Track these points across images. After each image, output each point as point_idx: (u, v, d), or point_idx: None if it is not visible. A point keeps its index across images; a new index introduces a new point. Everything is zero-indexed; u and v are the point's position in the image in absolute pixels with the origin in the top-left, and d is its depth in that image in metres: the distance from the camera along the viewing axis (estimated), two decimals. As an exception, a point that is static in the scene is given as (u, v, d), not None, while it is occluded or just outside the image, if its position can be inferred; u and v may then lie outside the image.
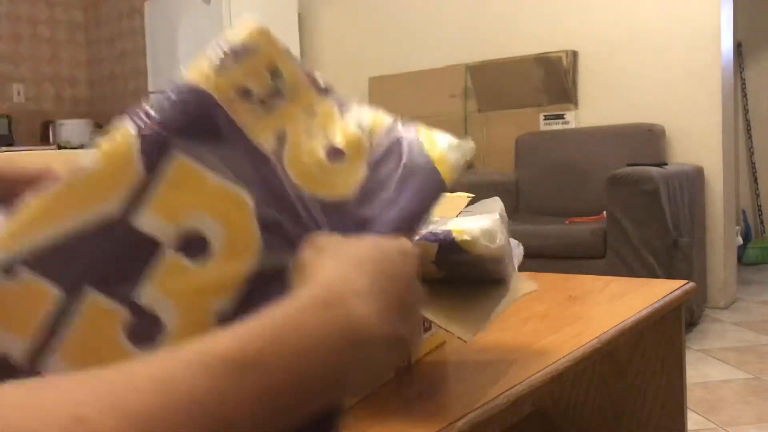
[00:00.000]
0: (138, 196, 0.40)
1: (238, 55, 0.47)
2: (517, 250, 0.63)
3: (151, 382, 0.29)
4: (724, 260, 3.34)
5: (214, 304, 0.41)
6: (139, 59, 5.48)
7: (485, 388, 0.54)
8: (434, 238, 0.55)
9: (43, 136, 5.44)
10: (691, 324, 3.06)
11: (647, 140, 3.25)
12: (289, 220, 0.43)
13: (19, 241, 0.38)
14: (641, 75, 3.47)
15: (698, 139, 3.33)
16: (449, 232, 0.56)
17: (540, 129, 3.66)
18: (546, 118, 3.66)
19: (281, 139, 0.46)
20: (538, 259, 2.84)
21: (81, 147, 4.96)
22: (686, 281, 0.88)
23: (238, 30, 0.49)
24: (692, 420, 2.11)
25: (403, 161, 0.49)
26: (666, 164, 3.00)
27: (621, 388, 0.92)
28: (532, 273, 0.94)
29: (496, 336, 0.68)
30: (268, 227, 0.42)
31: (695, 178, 3.14)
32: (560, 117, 3.63)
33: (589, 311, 0.78)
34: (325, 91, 0.51)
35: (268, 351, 0.33)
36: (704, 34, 3.31)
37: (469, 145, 0.53)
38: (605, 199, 2.77)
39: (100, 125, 5.75)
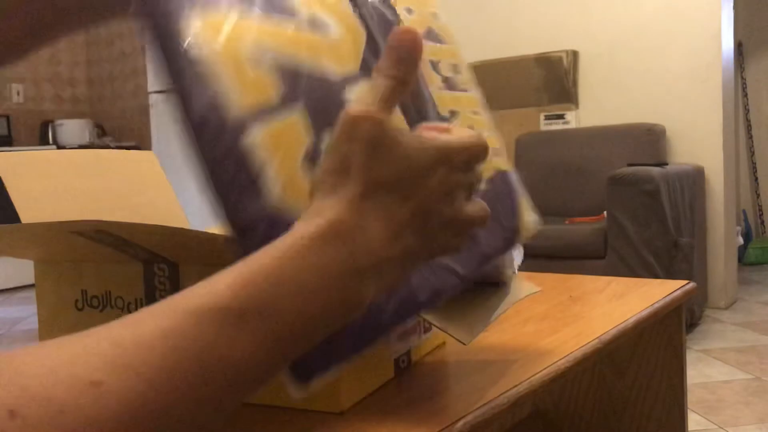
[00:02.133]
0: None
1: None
2: (517, 252, 0.62)
3: (159, 339, 0.30)
4: (725, 260, 3.34)
5: None
6: (139, 59, 5.48)
7: (485, 389, 0.54)
8: None
9: (43, 136, 5.44)
10: (692, 324, 3.06)
11: (648, 140, 3.24)
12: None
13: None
14: (642, 75, 3.47)
15: (699, 139, 3.32)
16: None
17: (540, 129, 3.66)
18: (546, 118, 3.66)
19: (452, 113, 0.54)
20: (538, 259, 2.84)
21: (80, 147, 4.96)
22: (687, 281, 0.88)
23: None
24: (692, 420, 2.11)
25: (506, 210, 0.55)
26: (666, 164, 2.99)
27: (621, 388, 0.91)
28: (532, 273, 0.94)
29: (496, 336, 0.68)
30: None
31: (696, 178, 3.14)
32: (560, 117, 3.63)
33: (590, 311, 0.78)
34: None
35: (269, 295, 0.33)
36: (705, 34, 3.31)
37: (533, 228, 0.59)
38: (605, 199, 2.77)
39: (100, 125, 5.75)
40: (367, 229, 0.36)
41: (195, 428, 0.31)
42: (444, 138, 0.40)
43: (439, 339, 0.67)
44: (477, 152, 0.41)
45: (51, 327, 0.66)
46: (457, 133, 0.41)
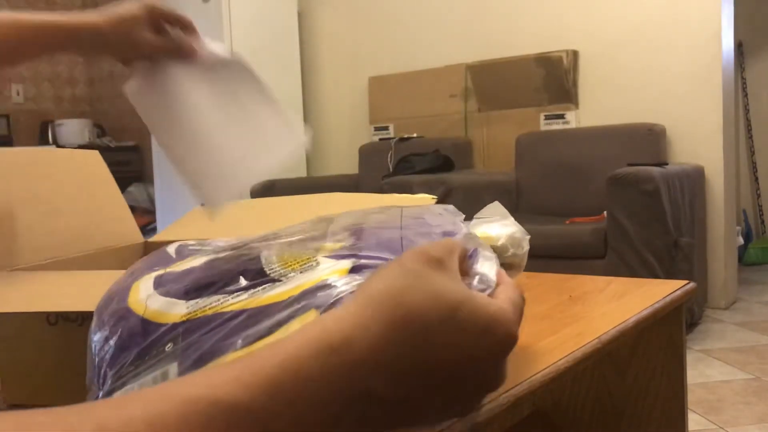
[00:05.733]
0: None
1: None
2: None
3: (145, 425, 0.28)
4: (725, 260, 3.34)
5: None
6: (139, 59, 5.47)
7: (485, 389, 0.54)
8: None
9: (42, 136, 5.44)
10: (692, 324, 3.06)
11: (648, 140, 3.24)
12: None
13: None
14: (642, 75, 3.47)
15: (699, 139, 3.32)
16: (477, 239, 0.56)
17: (540, 129, 3.66)
18: (546, 117, 3.66)
19: None
20: (538, 259, 2.84)
21: (80, 147, 4.95)
22: (687, 281, 0.88)
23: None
24: (693, 420, 2.11)
25: None
26: (666, 164, 2.99)
27: (621, 388, 0.91)
28: (532, 273, 0.94)
29: (495, 336, 0.68)
30: None
31: (696, 177, 3.14)
32: (560, 117, 3.63)
33: (590, 311, 0.78)
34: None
35: (264, 398, 0.30)
36: (705, 34, 3.31)
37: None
38: (606, 199, 2.77)
39: (99, 125, 5.75)
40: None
41: None
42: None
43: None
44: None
45: (16, 347, 0.58)
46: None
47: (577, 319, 0.74)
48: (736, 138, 4.05)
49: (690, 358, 2.66)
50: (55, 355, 0.54)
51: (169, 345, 0.40)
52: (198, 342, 0.40)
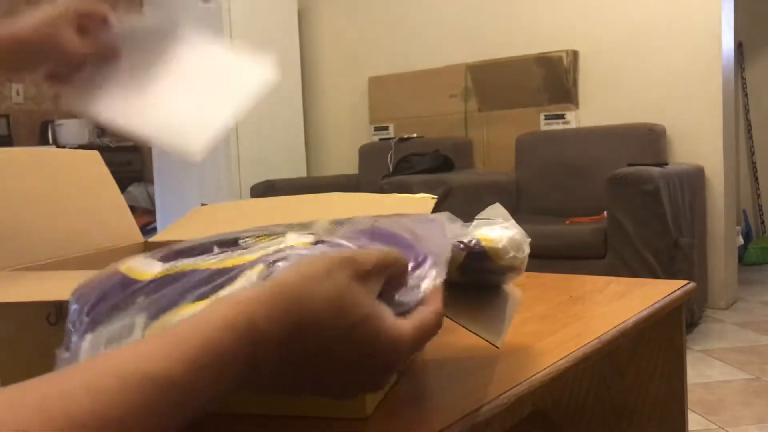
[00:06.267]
0: None
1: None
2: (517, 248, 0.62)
3: (87, 397, 0.30)
4: (725, 260, 3.34)
5: None
6: (139, 59, 5.47)
7: (485, 388, 0.54)
8: (463, 245, 0.56)
9: (42, 136, 5.44)
10: (692, 324, 3.06)
11: (648, 140, 3.24)
12: None
13: None
14: (642, 75, 3.47)
15: (699, 139, 3.32)
16: (478, 241, 0.56)
17: (540, 129, 3.66)
18: (546, 117, 3.66)
19: None
20: (538, 259, 2.84)
21: (80, 147, 4.95)
22: (687, 281, 0.88)
23: None
24: (693, 420, 2.11)
25: None
26: (667, 164, 2.99)
27: (621, 388, 0.91)
28: (533, 273, 0.94)
29: (495, 336, 0.68)
30: None
31: (696, 177, 3.14)
32: (560, 117, 3.63)
33: (590, 311, 0.78)
34: None
35: (191, 374, 0.33)
36: (705, 34, 3.31)
37: None
38: (606, 199, 2.77)
39: (99, 125, 5.75)
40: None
41: None
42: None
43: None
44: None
45: (16, 347, 0.57)
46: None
47: (577, 319, 0.74)
48: (736, 138, 4.05)
49: (690, 358, 2.65)
50: (55, 356, 0.54)
51: (140, 298, 0.44)
52: (162, 296, 0.44)
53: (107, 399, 0.30)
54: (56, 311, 0.55)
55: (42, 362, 0.55)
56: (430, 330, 0.43)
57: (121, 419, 0.30)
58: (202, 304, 0.42)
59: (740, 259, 4.11)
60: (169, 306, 0.43)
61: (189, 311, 0.42)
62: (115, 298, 0.45)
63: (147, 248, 0.87)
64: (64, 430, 0.28)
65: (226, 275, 0.44)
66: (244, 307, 0.37)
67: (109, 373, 0.31)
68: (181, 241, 0.54)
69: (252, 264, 0.45)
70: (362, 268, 0.41)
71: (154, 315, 0.43)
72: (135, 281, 0.46)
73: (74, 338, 0.44)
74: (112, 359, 0.32)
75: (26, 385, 0.30)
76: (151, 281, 0.45)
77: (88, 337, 0.43)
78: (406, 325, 0.41)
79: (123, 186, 5.14)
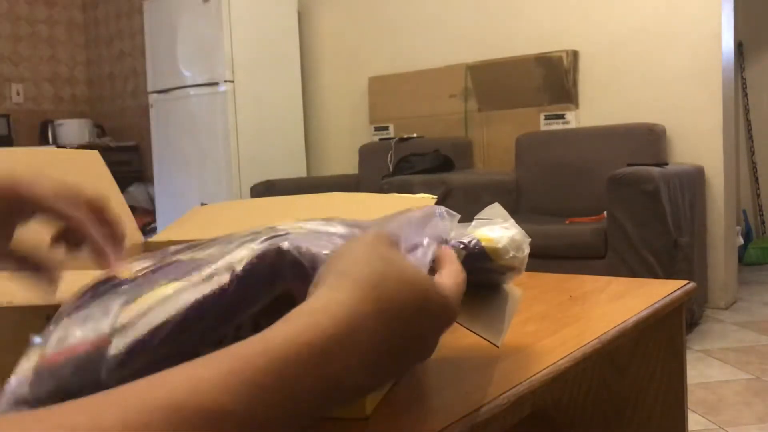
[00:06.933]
0: None
1: None
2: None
3: None
4: (725, 260, 3.34)
5: None
6: (138, 59, 5.48)
7: (485, 388, 0.54)
8: (462, 246, 0.56)
9: (42, 136, 5.44)
10: (692, 324, 3.06)
11: (648, 140, 3.24)
12: None
13: None
14: (642, 75, 3.47)
15: (699, 139, 3.32)
16: (478, 241, 0.56)
17: (540, 129, 3.65)
18: (546, 117, 3.66)
19: None
20: (538, 259, 2.84)
21: (80, 147, 4.95)
22: (687, 281, 0.88)
23: None
24: (693, 420, 2.10)
25: None
26: (666, 164, 2.99)
27: (621, 388, 0.91)
28: (533, 273, 0.94)
29: (495, 336, 0.68)
30: None
31: (696, 177, 3.14)
32: (560, 117, 3.63)
33: (590, 311, 0.78)
34: None
35: (250, 404, 0.30)
36: (705, 34, 3.31)
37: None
38: (605, 199, 2.77)
39: (99, 125, 5.75)
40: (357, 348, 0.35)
41: None
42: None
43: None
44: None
45: (15, 348, 0.52)
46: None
47: (577, 319, 0.74)
48: (736, 138, 4.05)
49: (690, 358, 2.65)
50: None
51: (124, 287, 0.45)
52: (142, 283, 0.44)
53: None
54: (56, 312, 0.55)
55: (42, 362, 0.54)
56: (462, 280, 0.44)
57: None
58: (176, 285, 0.42)
59: (740, 259, 4.11)
60: (147, 290, 0.43)
61: (163, 291, 0.42)
62: (100, 291, 0.45)
63: (147, 248, 0.87)
64: None
65: (209, 262, 0.44)
66: (322, 316, 0.34)
67: (154, 406, 0.27)
68: (181, 241, 0.54)
69: (243, 243, 0.45)
70: (393, 240, 0.42)
71: (131, 299, 0.43)
72: (124, 280, 0.46)
73: (51, 326, 0.44)
74: (157, 389, 0.28)
75: (54, 414, 0.26)
76: (137, 275, 0.46)
77: (64, 321, 0.43)
78: (447, 283, 0.42)
79: (123, 186, 5.14)
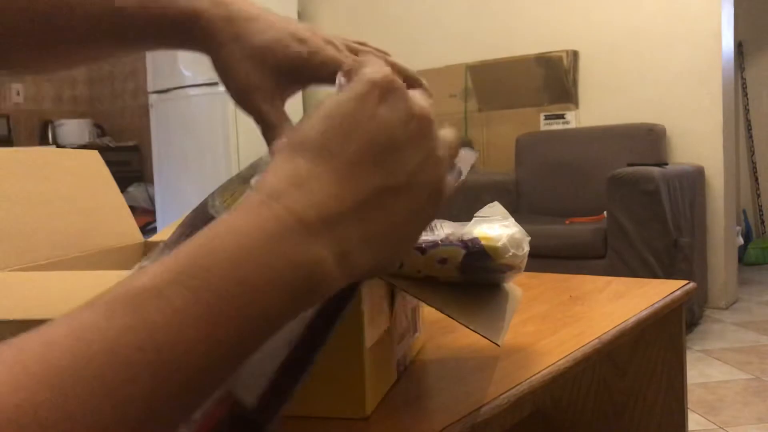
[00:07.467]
0: None
1: None
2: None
3: (65, 337, 0.24)
4: (725, 260, 3.34)
5: None
6: (138, 59, 5.47)
7: (485, 388, 0.54)
8: (462, 244, 0.56)
9: (42, 136, 5.44)
10: (692, 324, 3.06)
11: (648, 140, 3.24)
12: None
13: None
14: (642, 75, 3.47)
15: (699, 139, 3.32)
16: (477, 239, 0.56)
17: (540, 129, 3.65)
18: (546, 117, 3.66)
19: None
20: (538, 259, 2.84)
21: (80, 147, 4.95)
22: (687, 281, 0.88)
23: None
24: (693, 420, 2.10)
25: None
26: (666, 164, 2.99)
27: (621, 388, 0.91)
28: (533, 273, 0.94)
29: (495, 336, 0.68)
30: None
31: (696, 177, 3.14)
32: (560, 117, 3.63)
33: (590, 311, 0.78)
34: None
35: (197, 263, 0.27)
36: (705, 34, 3.31)
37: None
38: (605, 199, 2.77)
39: (99, 125, 5.75)
40: (308, 179, 0.32)
41: None
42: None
43: (420, 341, 0.68)
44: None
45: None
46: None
47: (577, 319, 0.74)
48: (736, 138, 4.05)
49: (690, 358, 2.65)
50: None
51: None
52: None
53: (88, 331, 0.25)
54: None
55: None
56: (393, 76, 0.40)
57: (111, 348, 0.24)
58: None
59: (740, 259, 4.11)
60: None
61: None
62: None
63: (147, 248, 0.87)
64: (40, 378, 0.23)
65: None
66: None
67: (96, 305, 0.26)
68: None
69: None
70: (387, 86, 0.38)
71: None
72: None
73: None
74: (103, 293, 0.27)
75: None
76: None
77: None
78: (420, 100, 0.40)
79: (123, 186, 5.14)
